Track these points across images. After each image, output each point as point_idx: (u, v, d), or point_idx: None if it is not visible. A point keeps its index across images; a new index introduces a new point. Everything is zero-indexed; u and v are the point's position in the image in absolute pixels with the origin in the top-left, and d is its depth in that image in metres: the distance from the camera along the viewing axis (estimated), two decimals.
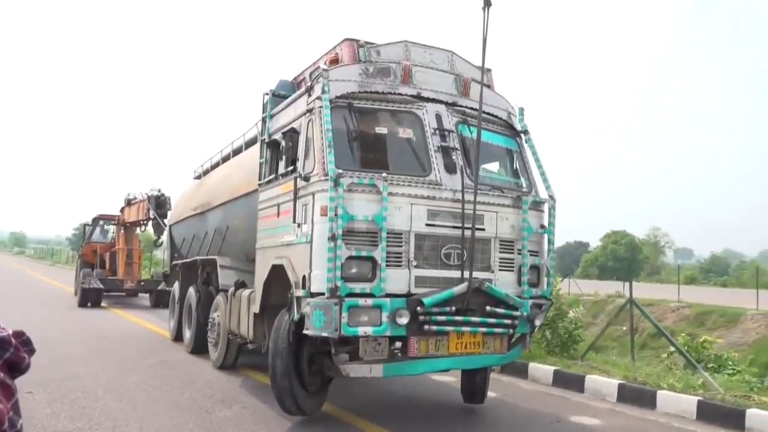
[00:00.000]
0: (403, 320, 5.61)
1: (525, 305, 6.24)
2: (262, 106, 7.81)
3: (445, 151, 6.43)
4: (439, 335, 5.88)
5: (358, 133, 6.25)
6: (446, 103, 6.72)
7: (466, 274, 6.02)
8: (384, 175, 5.87)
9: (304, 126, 6.47)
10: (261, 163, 7.66)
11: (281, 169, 6.98)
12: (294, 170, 6.52)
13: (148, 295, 20.85)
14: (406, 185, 6.03)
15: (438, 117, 6.60)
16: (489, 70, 7.39)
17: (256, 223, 8.33)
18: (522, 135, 7.27)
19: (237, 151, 11.17)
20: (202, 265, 10.82)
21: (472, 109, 6.90)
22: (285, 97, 7.63)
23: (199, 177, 13.81)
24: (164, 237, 15.18)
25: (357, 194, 5.79)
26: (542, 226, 6.83)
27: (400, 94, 6.49)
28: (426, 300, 5.67)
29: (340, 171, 5.72)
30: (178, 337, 12.00)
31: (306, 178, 6.16)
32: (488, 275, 6.33)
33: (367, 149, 6.32)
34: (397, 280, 5.85)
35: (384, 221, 5.80)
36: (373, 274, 5.79)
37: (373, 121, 6.35)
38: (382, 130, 6.39)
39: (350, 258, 5.68)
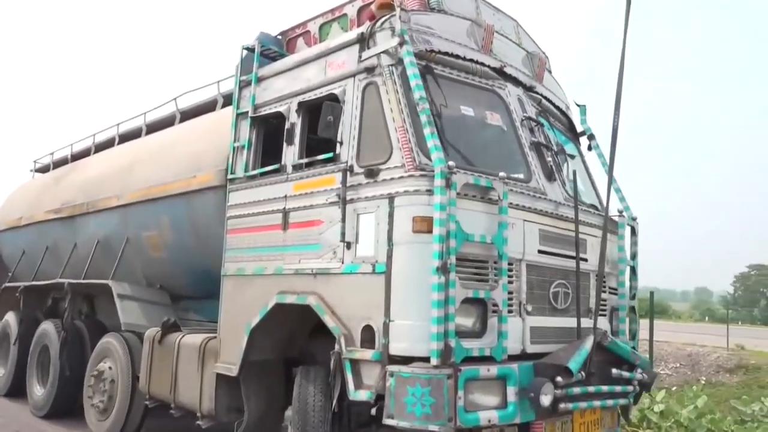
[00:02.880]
0: (548, 399, 3.65)
1: (645, 363, 4.63)
2: (238, 65, 5.32)
3: (538, 150, 4.65)
4: (566, 415, 4.03)
5: (438, 112, 4.18)
6: (524, 87, 4.96)
7: (585, 322, 4.29)
8: (502, 174, 3.91)
9: (355, 93, 4.23)
10: (236, 148, 5.16)
11: (291, 157, 4.62)
12: (333, 159, 4.25)
13: None
14: (518, 193, 4.12)
15: (521, 103, 4.80)
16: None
17: (198, 236, 5.82)
18: (588, 139, 5.74)
19: (126, 136, 8.20)
20: (72, 292, 7.59)
21: (547, 99, 5.23)
22: (272, 58, 5.27)
23: (45, 169, 10.26)
24: None
25: (468, 201, 3.76)
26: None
27: (482, 63, 4.58)
28: (572, 365, 3.79)
29: (452, 163, 3.65)
30: (14, 392, 8.46)
31: (371, 172, 3.93)
32: (590, 322, 4.61)
33: (450, 136, 4.27)
34: (510, 334, 3.89)
35: (504, 245, 3.83)
36: (483, 325, 3.79)
37: (455, 97, 4.34)
38: (467, 110, 4.40)
39: (464, 301, 3.62)
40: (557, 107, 5.40)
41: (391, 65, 4.05)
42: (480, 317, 3.78)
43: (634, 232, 5.34)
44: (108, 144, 8.52)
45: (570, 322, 4.33)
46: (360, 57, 4.22)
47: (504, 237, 3.82)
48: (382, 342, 3.67)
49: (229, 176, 5.13)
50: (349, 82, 4.28)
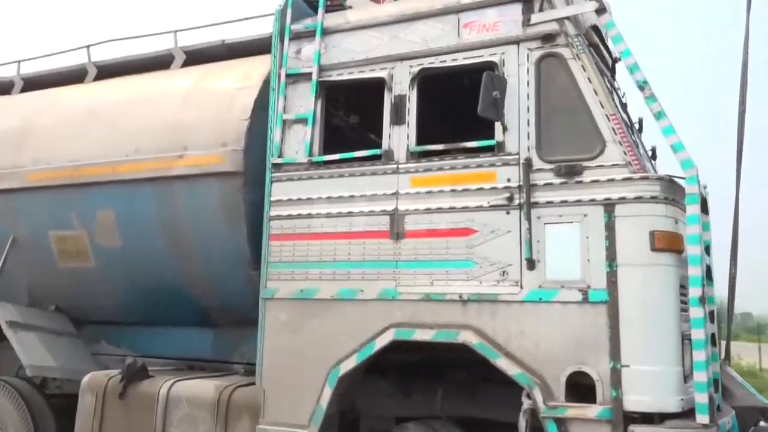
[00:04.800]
0: None
1: None
2: (283, 9, 3.87)
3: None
4: None
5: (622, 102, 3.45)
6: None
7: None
8: (704, 183, 3.31)
9: (523, 65, 3.24)
10: (286, 123, 3.72)
11: (402, 140, 3.42)
12: (493, 148, 3.21)
13: None
14: None
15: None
16: None
17: (176, 239, 4.22)
18: None
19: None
20: None
21: None
22: (314, 8, 3.97)
23: None
24: None
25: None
26: None
27: (608, 49, 3.96)
28: None
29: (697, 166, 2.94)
30: None
31: (571, 170, 3.01)
32: None
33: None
34: None
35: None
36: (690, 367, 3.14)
37: (609, 86, 3.62)
38: (621, 101, 3.73)
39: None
40: None
41: (579, 35, 3.19)
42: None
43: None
44: None
45: None
46: (527, 20, 3.26)
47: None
48: (611, 394, 2.78)
49: (275, 160, 3.68)
50: (508, 50, 3.28)
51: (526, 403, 2.89)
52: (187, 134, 4.16)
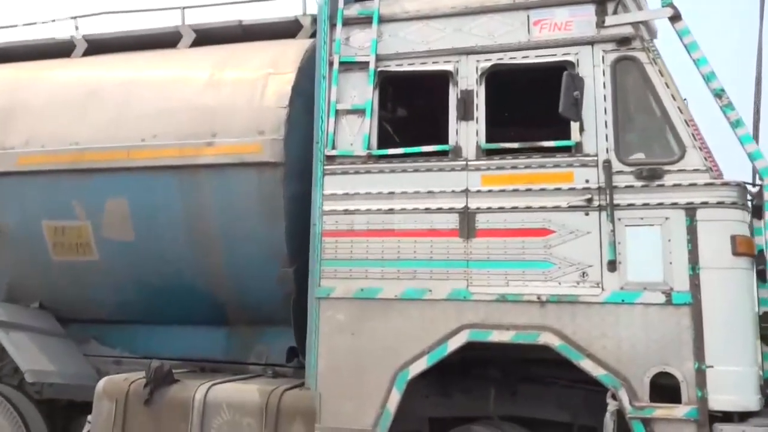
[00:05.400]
0: None
1: None
2: None
3: None
4: None
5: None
6: None
7: None
8: None
9: (598, 66, 3.23)
10: (339, 113, 3.53)
11: (470, 137, 3.33)
12: (570, 148, 3.20)
13: None
14: None
15: None
16: None
17: (200, 232, 3.97)
18: None
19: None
20: None
21: None
22: None
23: None
24: None
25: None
26: None
27: None
28: None
29: None
30: None
31: (652, 173, 3.05)
32: None
33: None
34: None
35: None
36: None
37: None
38: None
39: None
40: None
41: (653, 39, 3.24)
42: None
43: None
44: None
45: None
46: (602, 21, 3.26)
47: None
48: (696, 394, 2.84)
49: (329, 152, 3.48)
50: (582, 50, 3.27)
51: (612, 404, 2.91)
52: (216, 120, 3.87)
